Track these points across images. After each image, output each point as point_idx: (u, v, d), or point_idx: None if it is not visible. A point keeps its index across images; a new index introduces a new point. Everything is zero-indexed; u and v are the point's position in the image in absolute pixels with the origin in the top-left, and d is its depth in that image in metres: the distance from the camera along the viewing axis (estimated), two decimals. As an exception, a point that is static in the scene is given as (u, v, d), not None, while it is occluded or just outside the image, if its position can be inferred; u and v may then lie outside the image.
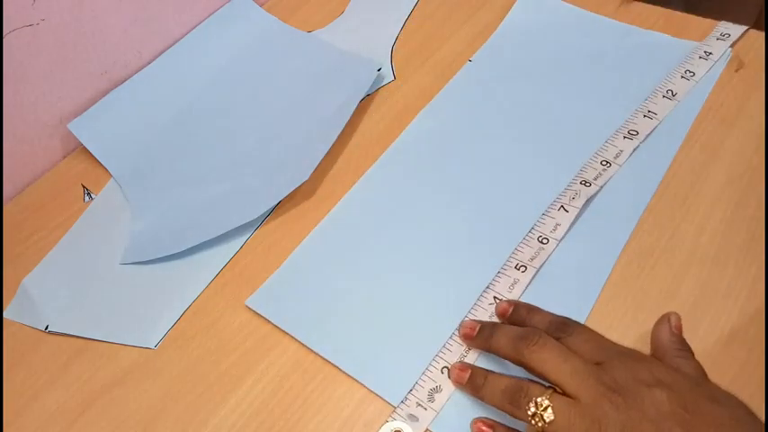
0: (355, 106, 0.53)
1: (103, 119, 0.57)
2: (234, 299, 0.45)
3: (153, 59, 0.61)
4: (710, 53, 0.52)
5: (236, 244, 0.48)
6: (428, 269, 0.44)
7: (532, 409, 0.31)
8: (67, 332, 0.45)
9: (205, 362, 0.42)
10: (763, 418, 0.30)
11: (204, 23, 0.64)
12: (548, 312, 0.37)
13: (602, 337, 0.34)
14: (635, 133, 0.48)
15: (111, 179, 0.55)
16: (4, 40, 0.49)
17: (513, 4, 0.61)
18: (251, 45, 0.63)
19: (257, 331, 0.43)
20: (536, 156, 0.49)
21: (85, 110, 0.57)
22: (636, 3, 0.58)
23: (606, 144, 0.48)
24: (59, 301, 0.47)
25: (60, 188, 0.55)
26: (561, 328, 0.34)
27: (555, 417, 0.30)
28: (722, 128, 0.48)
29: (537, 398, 0.31)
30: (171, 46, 0.62)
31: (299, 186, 0.48)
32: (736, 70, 0.51)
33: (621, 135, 0.48)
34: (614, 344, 0.33)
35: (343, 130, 0.51)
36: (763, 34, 0.53)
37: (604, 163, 0.47)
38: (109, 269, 0.48)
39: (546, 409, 0.30)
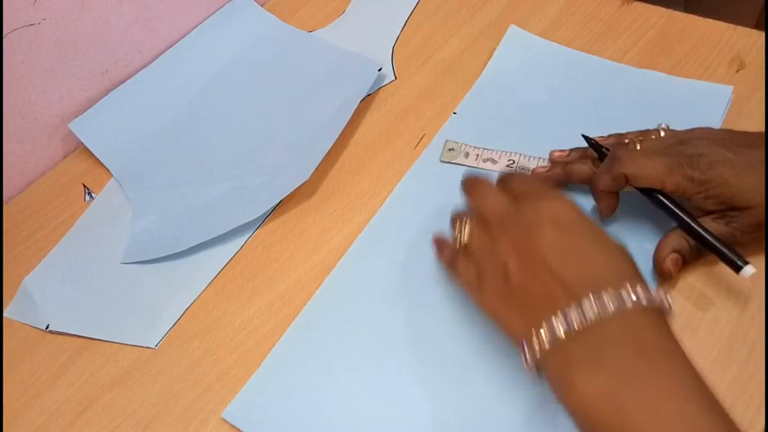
0: (356, 106, 0.53)
1: (104, 118, 0.57)
2: (234, 299, 0.45)
3: (154, 59, 0.61)
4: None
5: (236, 244, 0.48)
6: (427, 369, 0.40)
7: (456, 231, 0.39)
8: (68, 331, 0.45)
9: (205, 361, 0.42)
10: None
11: (205, 23, 0.64)
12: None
13: (535, 182, 0.39)
14: None
15: (112, 179, 0.55)
16: (5, 39, 0.49)
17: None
18: (251, 45, 0.63)
19: (257, 331, 0.43)
20: None
21: (86, 109, 0.57)
22: (636, 3, 0.58)
23: None
24: (60, 301, 0.47)
25: (61, 188, 0.55)
26: (514, 175, 0.40)
27: (469, 236, 0.38)
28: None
29: (463, 221, 0.39)
30: (172, 46, 0.62)
31: (299, 186, 0.48)
32: (737, 70, 0.51)
33: None
34: (538, 188, 0.38)
35: (343, 130, 0.51)
36: (763, 34, 0.53)
37: None
38: (109, 269, 0.48)
39: (465, 229, 0.38)
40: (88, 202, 0.54)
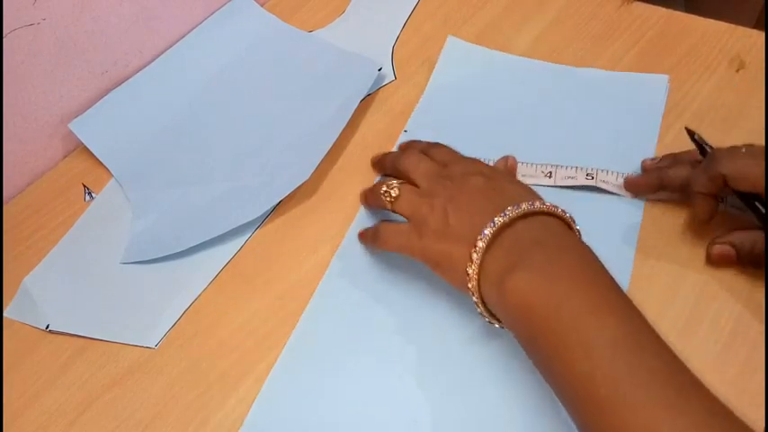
0: (356, 106, 0.53)
1: (104, 118, 0.57)
2: (234, 299, 0.45)
3: (154, 59, 0.61)
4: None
5: (236, 244, 0.48)
6: None
7: (384, 189, 0.42)
8: (68, 331, 0.45)
9: (205, 361, 0.42)
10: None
11: (205, 23, 0.64)
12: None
13: (456, 152, 0.44)
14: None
15: (112, 179, 0.55)
16: (4, 39, 0.49)
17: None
18: (251, 45, 0.63)
19: (257, 331, 0.43)
20: None
21: (86, 109, 0.57)
22: (637, 3, 0.58)
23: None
24: (60, 301, 0.47)
25: (61, 187, 0.55)
26: (433, 146, 0.46)
27: (399, 193, 0.41)
28: (722, 128, 0.48)
29: (392, 182, 0.42)
30: (172, 46, 0.62)
31: (299, 186, 0.48)
32: (737, 70, 0.51)
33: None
34: (462, 156, 0.44)
35: (343, 130, 0.51)
36: (763, 34, 0.53)
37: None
38: (109, 268, 0.48)
39: (393, 188, 0.41)
40: (88, 202, 0.54)
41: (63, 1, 0.52)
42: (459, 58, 0.57)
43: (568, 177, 0.47)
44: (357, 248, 0.46)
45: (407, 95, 0.56)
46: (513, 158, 0.47)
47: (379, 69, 0.56)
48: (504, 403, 0.38)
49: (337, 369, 0.41)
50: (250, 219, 0.48)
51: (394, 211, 0.41)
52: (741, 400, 0.35)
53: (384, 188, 0.42)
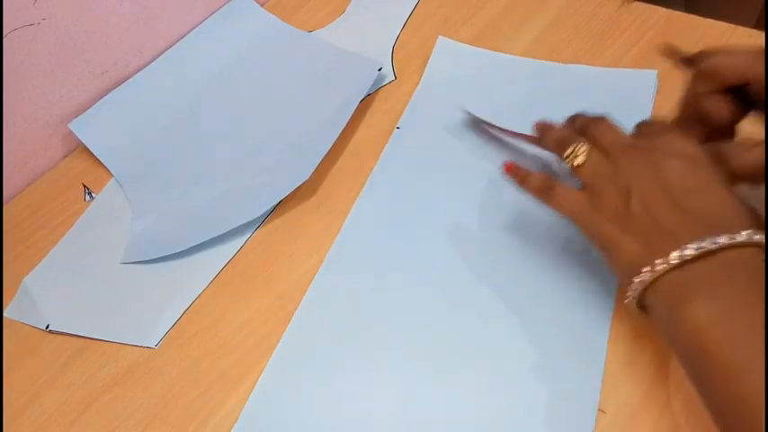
0: (356, 106, 0.53)
1: (104, 118, 0.57)
2: (234, 299, 0.45)
3: (154, 59, 0.61)
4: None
5: (236, 244, 0.48)
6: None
7: (569, 150, 0.37)
8: (68, 331, 0.45)
9: (205, 361, 0.42)
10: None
11: (205, 23, 0.64)
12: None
13: (661, 122, 0.39)
14: None
15: (112, 179, 0.55)
16: (5, 39, 0.49)
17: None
18: (251, 45, 0.63)
19: (257, 331, 0.43)
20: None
21: (86, 109, 0.57)
22: (637, 3, 0.58)
23: None
24: (60, 301, 0.47)
25: (61, 187, 0.55)
26: (595, 120, 0.39)
27: (585, 159, 0.36)
28: (722, 128, 0.48)
29: (578, 144, 0.36)
30: (172, 46, 0.62)
31: (299, 186, 0.48)
32: (737, 70, 0.51)
33: None
34: (666, 125, 0.38)
35: (343, 130, 0.51)
36: (763, 34, 0.53)
37: None
38: (109, 268, 0.48)
39: (582, 152, 0.36)
40: (88, 202, 0.54)
41: (63, 1, 0.52)
42: (451, 58, 0.57)
43: None
44: (346, 251, 0.46)
45: (407, 95, 0.56)
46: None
47: (379, 69, 0.56)
48: (503, 402, 0.38)
49: (330, 367, 0.41)
50: (250, 219, 0.48)
51: (574, 175, 0.37)
52: (741, 400, 0.35)
53: (570, 149, 0.37)
